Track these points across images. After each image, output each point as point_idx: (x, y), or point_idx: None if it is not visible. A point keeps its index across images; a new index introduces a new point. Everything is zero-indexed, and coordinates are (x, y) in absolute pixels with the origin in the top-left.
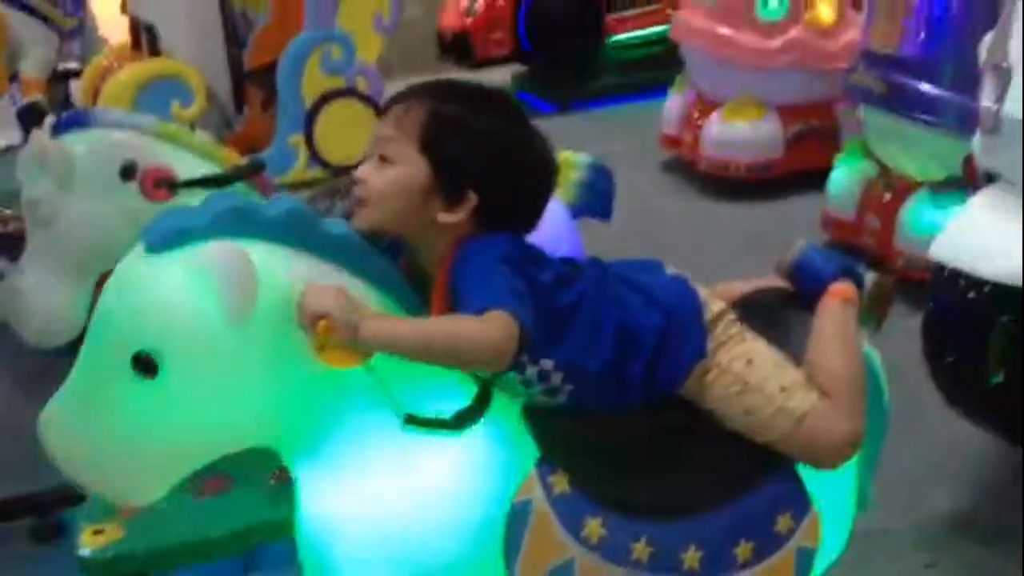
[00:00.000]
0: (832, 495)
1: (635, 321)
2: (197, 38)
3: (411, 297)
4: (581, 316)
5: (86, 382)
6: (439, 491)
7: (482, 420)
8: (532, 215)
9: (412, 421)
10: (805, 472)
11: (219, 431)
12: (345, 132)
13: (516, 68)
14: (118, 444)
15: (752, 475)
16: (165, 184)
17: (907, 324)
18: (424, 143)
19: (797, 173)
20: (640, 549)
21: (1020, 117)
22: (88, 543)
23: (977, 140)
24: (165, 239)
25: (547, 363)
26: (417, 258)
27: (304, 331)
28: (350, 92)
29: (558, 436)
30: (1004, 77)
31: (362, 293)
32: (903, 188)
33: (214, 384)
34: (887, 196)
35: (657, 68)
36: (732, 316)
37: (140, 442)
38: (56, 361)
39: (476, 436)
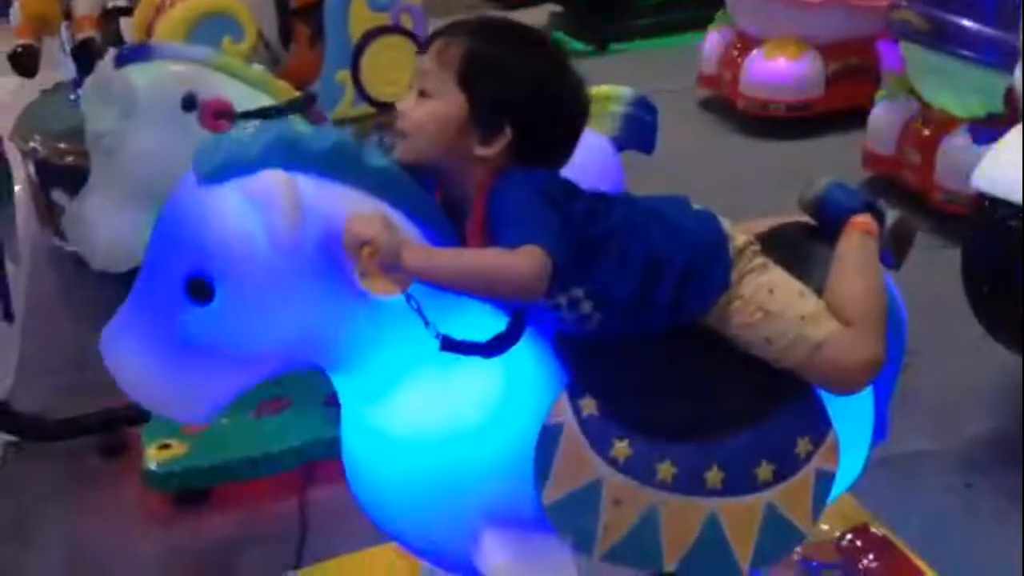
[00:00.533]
0: (849, 420)
1: (662, 253)
2: None
3: (449, 229)
4: (610, 247)
5: (143, 305)
6: (475, 411)
7: (516, 346)
8: (565, 151)
9: (448, 344)
10: (824, 397)
11: (268, 353)
12: (390, 69)
13: (552, 8)
14: (174, 365)
15: (774, 398)
16: (224, 115)
17: (947, 256)
18: (462, 77)
19: (837, 111)
20: (665, 470)
21: None
22: (154, 457)
23: (1019, 73)
24: (217, 169)
25: (577, 292)
26: (453, 191)
27: (349, 257)
28: (395, 29)
29: (586, 361)
30: None
31: (403, 225)
32: (943, 124)
33: (264, 309)
34: (927, 132)
35: (693, 7)
36: (755, 247)
37: (196, 363)
38: (120, 288)
39: (509, 361)
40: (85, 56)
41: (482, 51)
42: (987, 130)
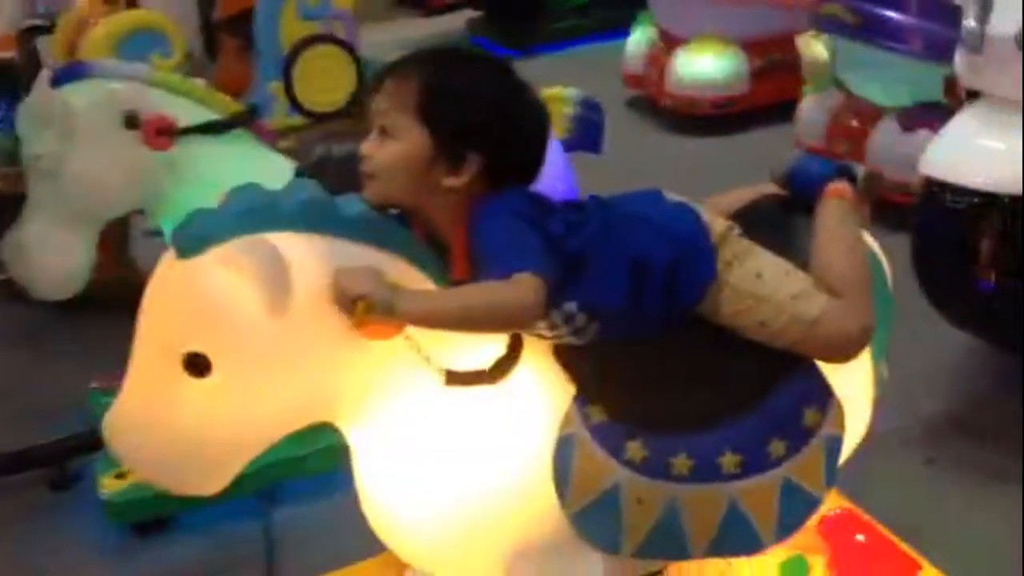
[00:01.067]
0: (850, 383)
1: (645, 254)
2: None
3: (436, 263)
4: (594, 258)
5: (143, 385)
6: (487, 440)
7: (517, 366)
8: (534, 167)
9: (453, 378)
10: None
11: (275, 417)
12: (323, 78)
13: (471, 13)
14: (183, 442)
15: (775, 375)
16: (167, 132)
17: (886, 241)
18: (421, 113)
19: (763, 106)
20: (680, 463)
21: (1008, 34)
22: (111, 487)
23: (959, 60)
24: (196, 243)
25: (570, 306)
26: (427, 225)
27: (342, 312)
28: (327, 38)
29: (589, 369)
30: None
31: (389, 266)
32: (871, 114)
33: (264, 375)
34: (855, 122)
35: (613, 9)
36: (736, 232)
37: (204, 438)
38: (61, 315)
39: (514, 383)
40: (3, 78)
41: (437, 83)
42: (914, 119)
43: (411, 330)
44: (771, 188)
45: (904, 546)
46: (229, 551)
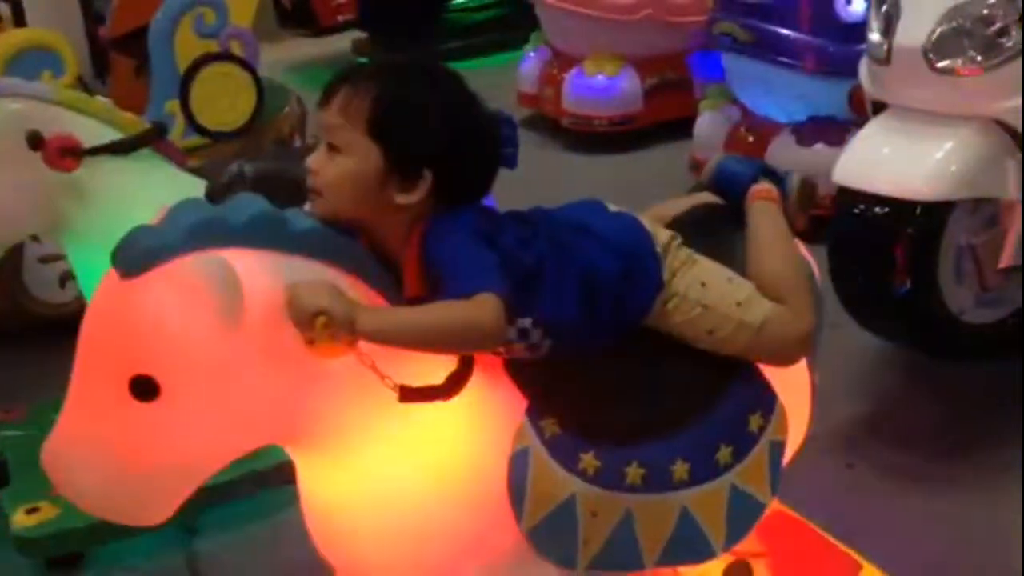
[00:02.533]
0: (789, 388)
1: (595, 267)
2: (55, 9)
3: (387, 279)
4: (546, 273)
5: (85, 411)
6: (441, 457)
7: (470, 380)
8: (486, 182)
9: (408, 394)
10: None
11: (226, 441)
12: (221, 97)
13: (357, 34)
14: (128, 470)
15: (721, 383)
16: (70, 152)
17: None
18: (374, 129)
19: (658, 124)
20: (633, 473)
21: (915, 46)
22: (22, 522)
23: (864, 73)
24: (140, 261)
25: (524, 322)
26: (376, 241)
27: (299, 328)
28: (225, 56)
29: (541, 382)
30: (891, 9)
31: (341, 282)
32: (767, 130)
33: (214, 397)
34: (751, 138)
35: (503, 29)
36: (679, 241)
37: (150, 465)
38: None
39: (467, 397)
40: None
41: (390, 98)
42: (810, 133)
43: (364, 346)
44: (707, 196)
45: (844, 547)
46: None
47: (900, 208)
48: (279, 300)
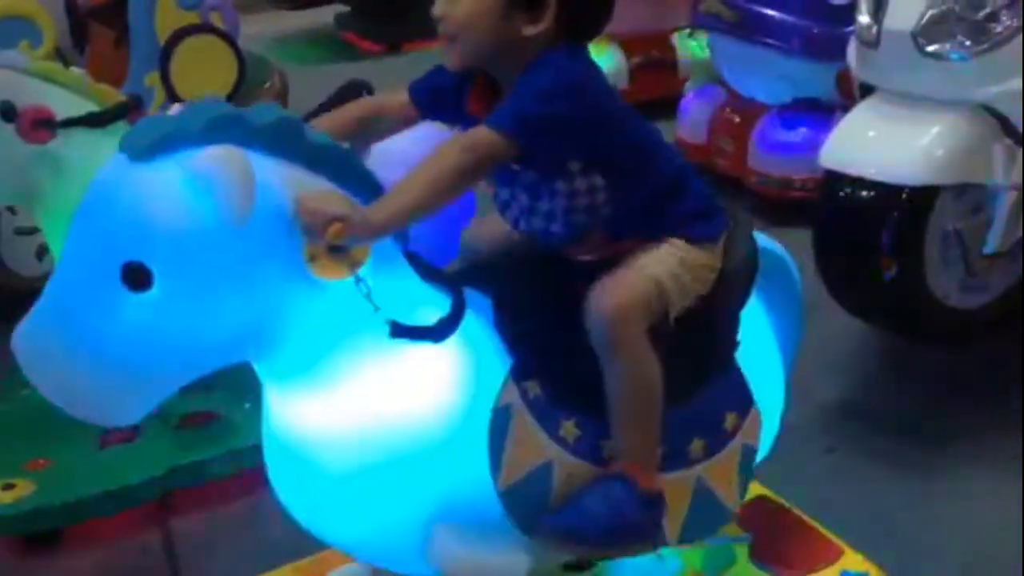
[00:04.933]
0: (765, 394)
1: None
2: None
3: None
4: (643, 152)
5: (67, 297)
6: (426, 400)
7: (459, 330)
8: (607, 12)
9: (399, 330)
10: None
11: (210, 343)
12: (202, 69)
13: (340, 8)
14: (105, 361)
15: (703, 374)
16: (44, 124)
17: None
18: None
19: (644, 103)
20: (609, 447)
21: (904, 29)
22: None
23: (852, 55)
24: (152, 147)
25: (598, 180)
26: (506, 80)
27: (309, 236)
28: (206, 28)
29: (528, 343)
30: None
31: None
32: (752, 111)
33: (207, 295)
34: (737, 119)
35: None
36: None
37: (129, 358)
38: None
39: (455, 346)
40: None
41: None
42: (795, 115)
43: (363, 273)
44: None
45: (825, 532)
46: (127, 563)
47: (886, 192)
48: (287, 206)
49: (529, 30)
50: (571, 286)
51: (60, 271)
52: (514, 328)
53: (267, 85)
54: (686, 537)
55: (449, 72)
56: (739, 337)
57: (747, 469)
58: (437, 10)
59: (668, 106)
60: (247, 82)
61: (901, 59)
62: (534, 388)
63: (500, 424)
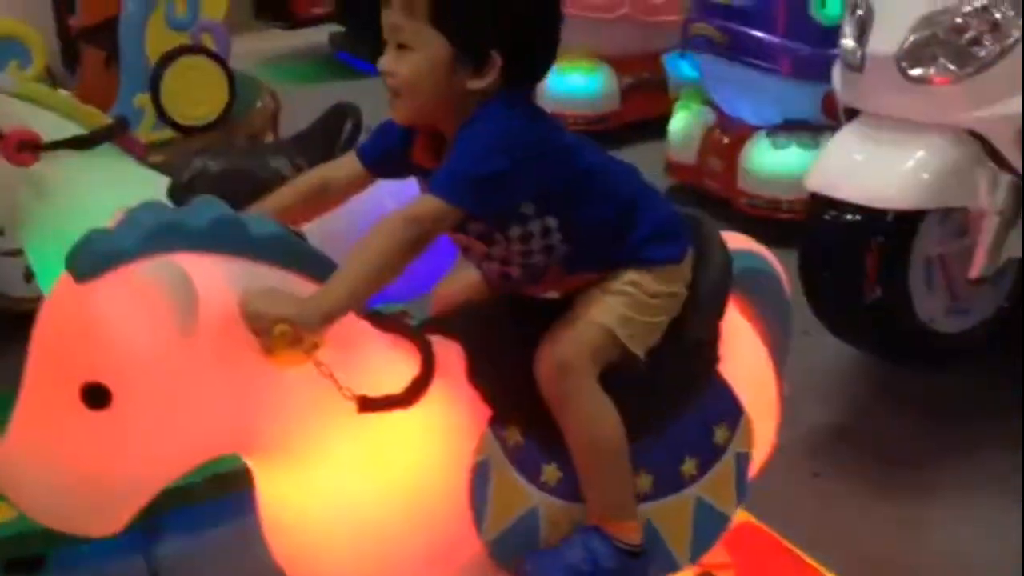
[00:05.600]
0: (759, 402)
1: (641, 198)
2: None
3: None
4: (594, 181)
5: (36, 418)
6: (401, 468)
7: (431, 388)
8: (551, 56)
9: (367, 404)
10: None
11: (180, 451)
12: (192, 90)
13: (333, 28)
14: (79, 479)
15: (685, 395)
16: (29, 147)
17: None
18: (436, 19)
19: (633, 124)
20: None
21: (888, 53)
22: None
23: (837, 78)
24: (95, 265)
25: (551, 221)
26: (450, 130)
27: (256, 336)
28: (197, 49)
29: (504, 391)
30: (864, 16)
31: (296, 286)
32: (741, 132)
33: (168, 406)
34: (726, 140)
35: None
36: None
37: (102, 474)
38: None
39: (428, 406)
40: None
41: None
42: (784, 137)
43: (322, 355)
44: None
45: (808, 558)
46: None
47: (871, 216)
48: (235, 307)
49: (474, 84)
50: (540, 325)
51: (24, 394)
52: (488, 376)
53: (258, 105)
54: (695, 555)
55: (394, 127)
56: (718, 351)
57: (743, 475)
58: (383, 65)
59: (658, 126)
60: (238, 102)
61: (885, 83)
62: (513, 435)
63: (481, 477)
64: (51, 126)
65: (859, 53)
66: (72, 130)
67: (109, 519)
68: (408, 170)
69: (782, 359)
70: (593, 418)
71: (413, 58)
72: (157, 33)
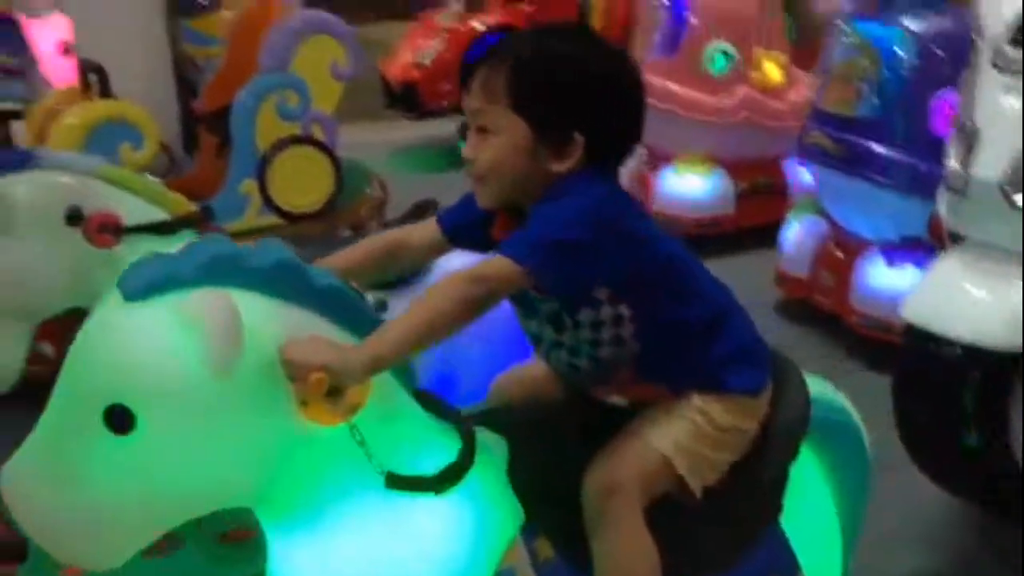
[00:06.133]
0: (818, 561)
1: (724, 308)
2: (147, 80)
3: None
4: (672, 274)
5: (54, 436)
6: (422, 559)
7: (466, 479)
8: (637, 133)
9: (394, 481)
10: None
11: (195, 491)
12: (299, 179)
13: (462, 119)
14: (87, 504)
15: (740, 542)
16: (110, 229)
17: (867, 380)
18: (516, 104)
19: (748, 229)
20: None
21: (992, 179)
22: None
23: (942, 201)
24: (146, 287)
25: (624, 310)
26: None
27: (292, 385)
28: (305, 139)
29: (542, 498)
30: (970, 138)
31: (346, 342)
32: (856, 247)
33: (192, 441)
34: (840, 254)
35: None
36: None
37: (111, 502)
38: None
39: (460, 498)
40: None
41: (526, 70)
42: (901, 254)
43: (357, 421)
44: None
45: None
46: None
47: (972, 351)
48: (278, 353)
49: (557, 166)
50: (596, 436)
51: (49, 408)
52: (529, 480)
53: (367, 192)
54: None
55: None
56: (784, 499)
57: None
58: (466, 152)
59: (774, 233)
60: (345, 191)
61: (989, 209)
62: (545, 549)
63: None
64: (136, 210)
65: (963, 176)
66: (156, 216)
67: (111, 552)
68: (487, 245)
69: (853, 523)
70: (629, 553)
71: (495, 143)
72: (268, 122)
